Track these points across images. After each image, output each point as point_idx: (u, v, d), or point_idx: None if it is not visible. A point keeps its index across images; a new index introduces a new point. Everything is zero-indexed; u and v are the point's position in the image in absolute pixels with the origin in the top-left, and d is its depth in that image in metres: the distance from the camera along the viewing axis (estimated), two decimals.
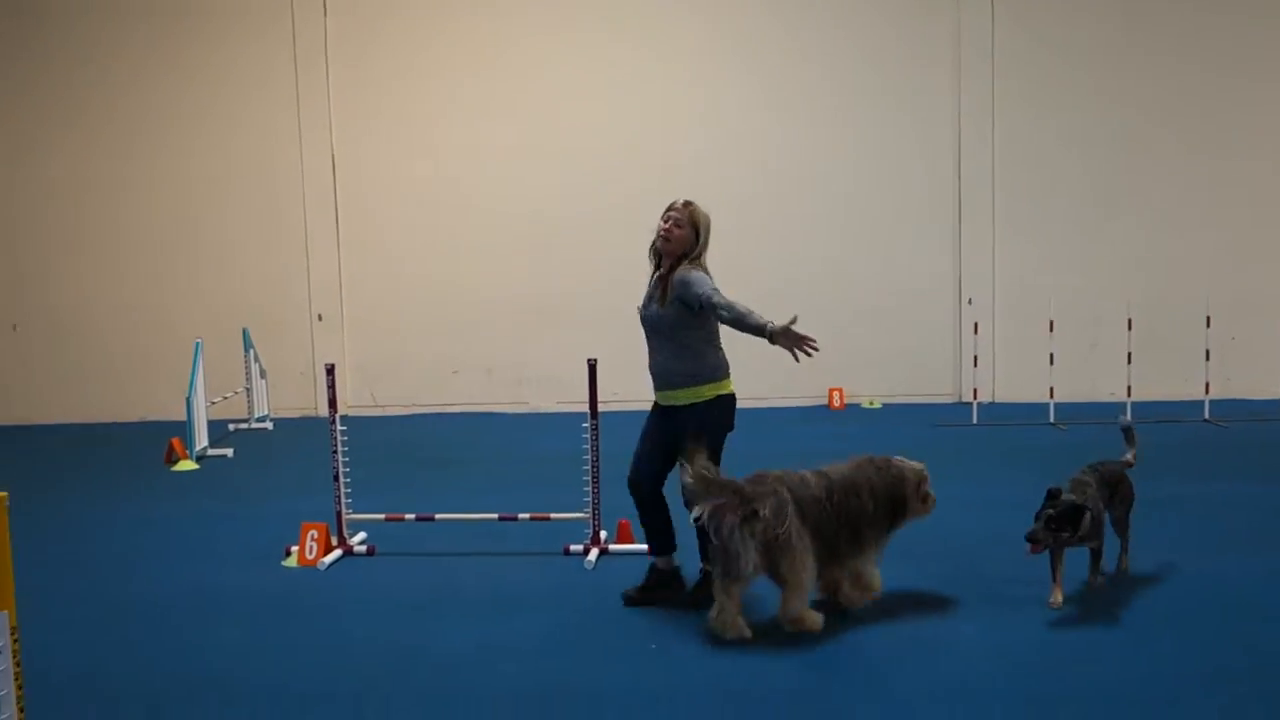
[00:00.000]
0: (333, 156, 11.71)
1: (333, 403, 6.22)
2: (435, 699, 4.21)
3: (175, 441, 9.25)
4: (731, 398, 5.18)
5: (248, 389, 10.99)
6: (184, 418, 9.28)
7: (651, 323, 5.11)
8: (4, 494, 2.80)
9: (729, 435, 5.13)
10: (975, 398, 10.33)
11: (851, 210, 11.53)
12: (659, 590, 5.23)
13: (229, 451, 9.53)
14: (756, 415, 11.03)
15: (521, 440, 10.07)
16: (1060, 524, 4.78)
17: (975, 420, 10.12)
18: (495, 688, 4.30)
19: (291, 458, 9.60)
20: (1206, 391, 10.18)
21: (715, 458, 4.91)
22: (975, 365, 10.42)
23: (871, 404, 11.46)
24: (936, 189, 11.49)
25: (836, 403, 11.38)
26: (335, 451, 6.16)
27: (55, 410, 11.77)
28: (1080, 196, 11.44)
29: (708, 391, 5.07)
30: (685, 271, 4.96)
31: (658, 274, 5.13)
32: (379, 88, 11.67)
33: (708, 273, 5.05)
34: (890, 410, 11.20)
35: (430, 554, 6.19)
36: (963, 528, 6.25)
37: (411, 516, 6.25)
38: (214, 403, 10.09)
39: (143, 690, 4.33)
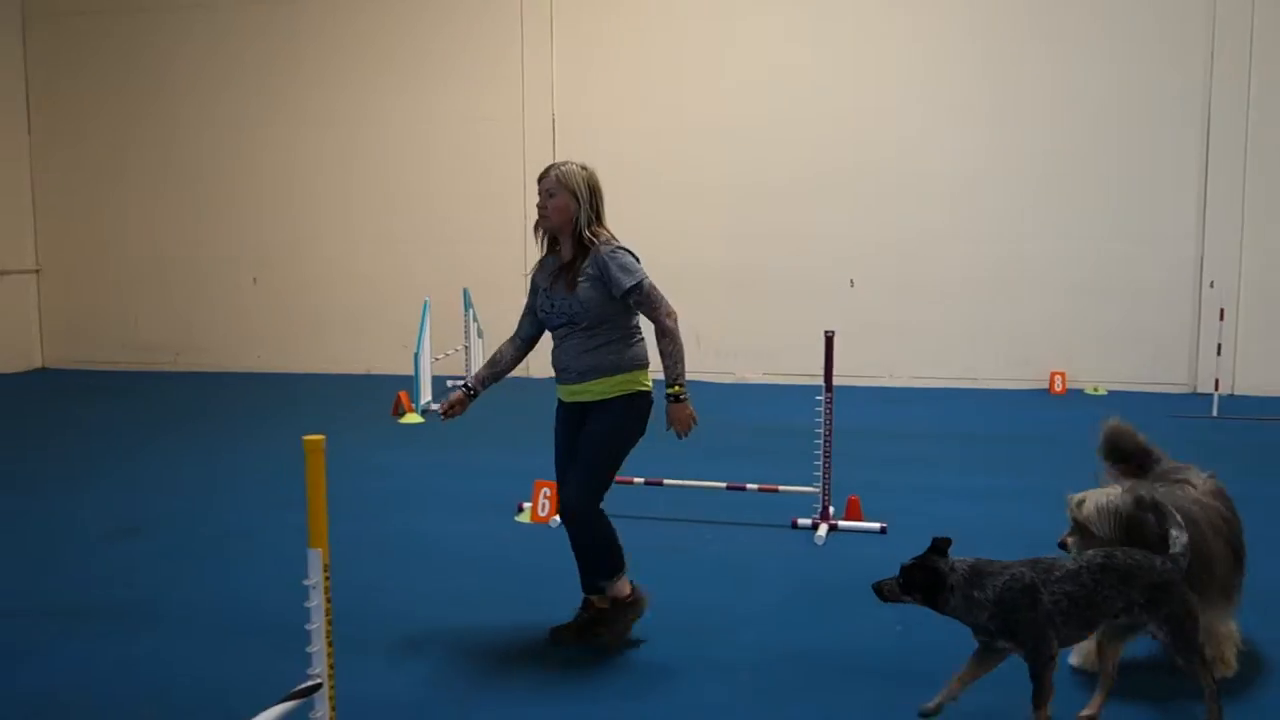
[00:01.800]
0: (553, 119, 11.90)
1: None
2: (679, 661, 4.23)
3: (402, 395, 9.66)
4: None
5: (465, 347, 11.35)
6: (407, 372, 9.69)
7: (559, 308, 4.30)
8: (322, 436, 2.93)
9: None
10: (1217, 389, 9.67)
11: (1082, 183, 10.93)
12: (599, 625, 4.40)
13: None
14: (969, 396, 10.73)
15: (731, 410, 10.03)
16: (909, 584, 3.52)
17: (1215, 413, 9.49)
18: (737, 655, 4.28)
19: (507, 416, 9.84)
20: None
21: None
22: (1219, 354, 9.75)
23: (1096, 390, 10.89)
24: (1179, 159, 10.74)
25: (1058, 387, 10.87)
26: None
27: (290, 360, 12.48)
28: None
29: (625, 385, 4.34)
30: (611, 250, 4.27)
31: (570, 258, 4.33)
32: (601, 50, 11.76)
33: (622, 247, 4.35)
34: (1116, 398, 10.60)
35: (657, 518, 6.24)
36: None
37: (640, 480, 6.30)
38: (437, 359, 10.46)
39: (389, 634, 4.51)
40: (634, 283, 4.23)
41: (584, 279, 4.22)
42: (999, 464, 7.71)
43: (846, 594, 4.98)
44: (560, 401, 4.44)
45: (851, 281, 11.32)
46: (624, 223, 11.70)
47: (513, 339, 4.56)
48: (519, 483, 6.67)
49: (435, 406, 3.99)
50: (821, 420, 5.97)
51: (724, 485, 6.32)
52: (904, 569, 3.53)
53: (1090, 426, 9.08)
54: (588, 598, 4.43)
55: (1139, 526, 3.62)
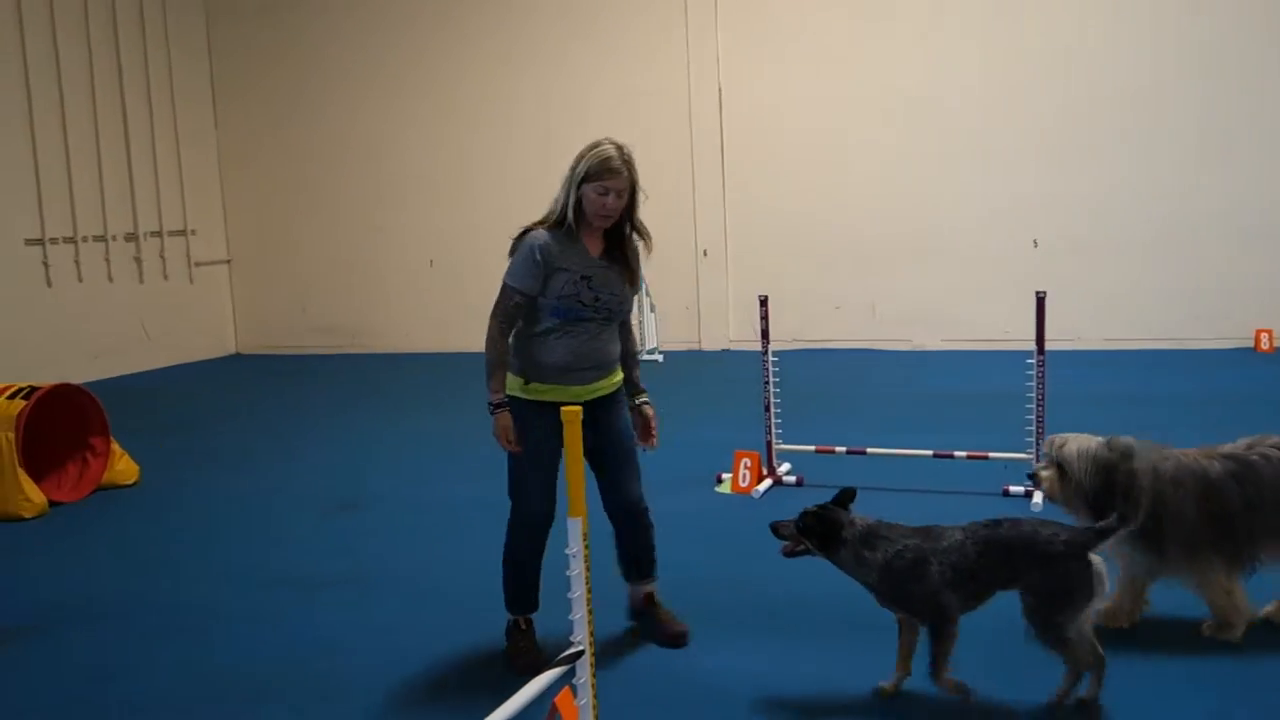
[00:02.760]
0: (719, 88, 11.80)
1: (765, 335, 6.25)
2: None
3: None
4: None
5: (640, 322, 11.40)
6: None
7: (606, 304, 3.91)
8: (578, 407, 2.94)
9: None
10: None
11: (1270, 131, 10.21)
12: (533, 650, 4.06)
13: None
14: (1168, 357, 10.19)
15: (914, 378, 9.81)
16: (806, 529, 3.55)
17: None
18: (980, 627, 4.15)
19: (687, 388, 9.87)
20: None
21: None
22: None
23: None
24: None
25: (1265, 345, 10.23)
26: (767, 384, 6.21)
27: (465, 339, 12.78)
28: None
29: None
30: (636, 243, 4.06)
31: (601, 249, 3.93)
32: (768, 16, 11.57)
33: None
34: None
35: (864, 488, 6.10)
36: None
37: (843, 449, 6.20)
38: None
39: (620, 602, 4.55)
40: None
41: (621, 278, 3.99)
42: (1215, 426, 7.26)
43: None
44: (550, 405, 3.79)
45: (1035, 242, 10.89)
46: (795, 194, 11.61)
47: (504, 332, 3.87)
48: (711, 454, 6.65)
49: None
50: (1034, 384, 5.74)
51: (930, 453, 6.14)
52: (803, 513, 3.58)
53: None
54: (645, 593, 4.24)
55: (1112, 474, 3.67)
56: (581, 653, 2.98)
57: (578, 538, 2.92)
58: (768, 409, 6.22)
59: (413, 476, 6.95)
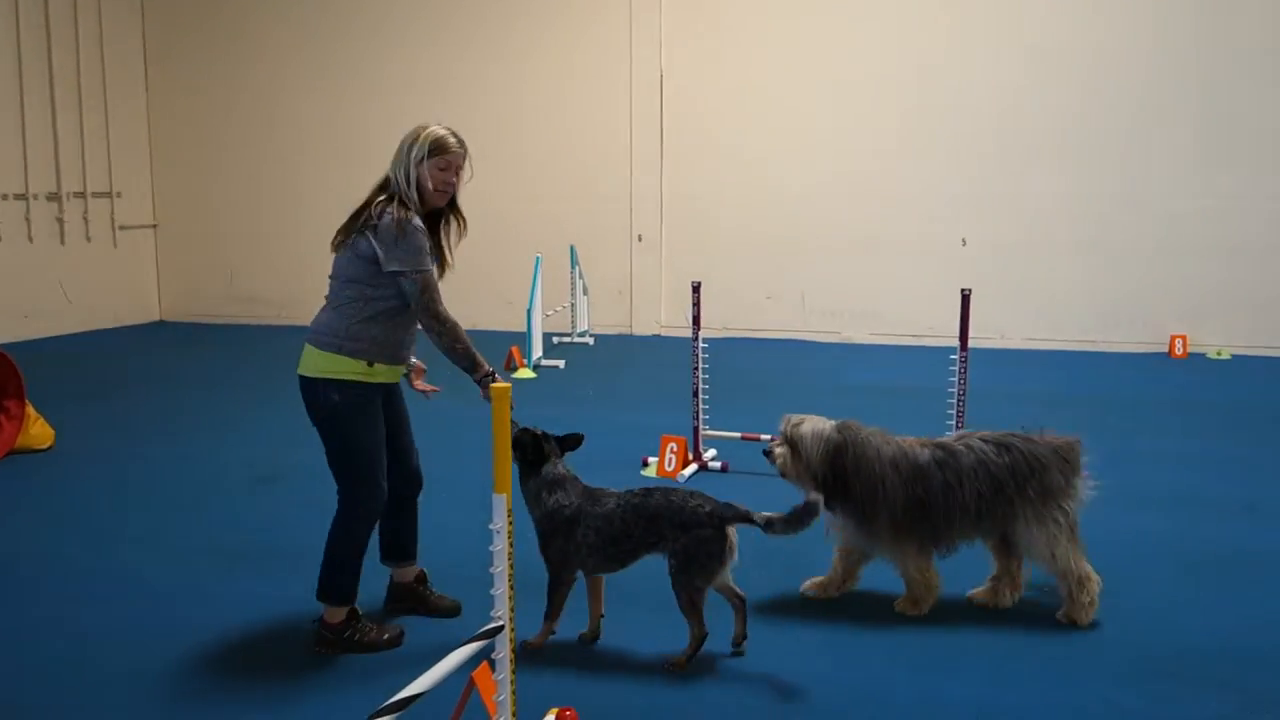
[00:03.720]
0: (661, 74, 11.83)
1: (696, 321, 6.31)
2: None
3: (514, 350, 9.76)
4: None
5: (572, 304, 11.42)
6: (511, 328, 9.77)
7: None
8: (508, 385, 2.97)
9: None
10: None
11: (1200, 141, 10.53)
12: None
13: (561, 363, 9.95)
14: (1087, 359, 10.48)
15: (841, 370, 9.97)
16: (518, 443, 3.82)
17: None
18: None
19: (616, 372, 9.92)
20: None
21: None
22: None
23: (1219, 354, 10.57)
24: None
25: (1179, 350, 10.57)
26: (696, 369, 6.27)
27: None
28: None
29: None
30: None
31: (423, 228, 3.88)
32: (713, 3, 11.62)
33: None
34: (1239, 362, 10.29)
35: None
36: None
37: (768, 437, 6.26)
38: (547, 316, 10.54)
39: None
40: None
41: (442, 251, 4.09)
42: (1132, 428, 7.52)
43: None
44: (382, 385, 3.92)
45: (964, 240, 11.12)
46: (733, 182, 11.69)
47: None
48: (638, 438, 6.71)
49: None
50: (956, 381, 5.88)
51: None
52: (524, 429, 3.85)
53: (1215, 390, 8.90)
54: (418, 572, 4.30)
55: (840, 456, 4.11)
56: (501, 628, 3.00)
57: (503, 513, 2.95)
58: (696, 394, 6.29)
59: None
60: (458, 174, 3.91)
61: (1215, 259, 10.57)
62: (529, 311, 9.73)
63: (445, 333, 3.80)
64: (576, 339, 11.39)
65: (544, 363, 9.91)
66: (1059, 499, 4.07)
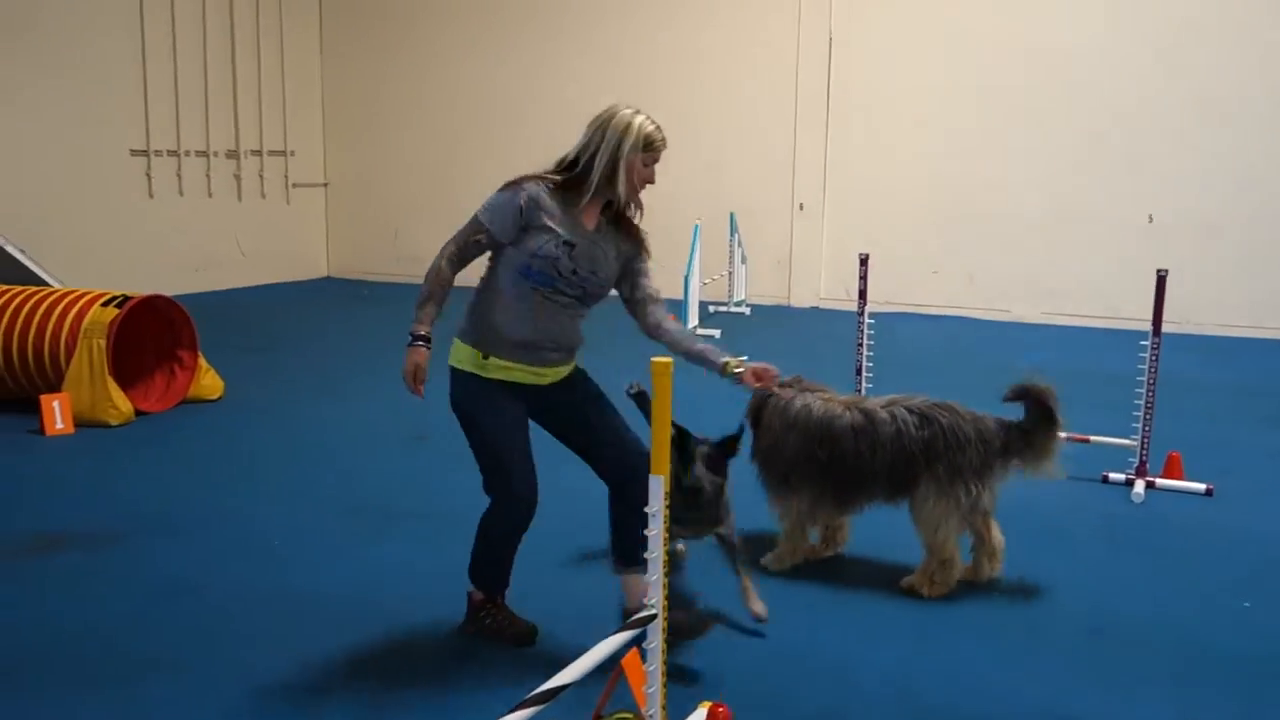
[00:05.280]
0: (830, 37, 11.42)
1: (862, 294, 6.01)
2: (999, 622, 3.94)
3: (670, 318, 9.60)
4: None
5: (729, 273, 11.20)
6: (668, 295, 9.57)
7: (586, 280, 3.55)
8: (669, 360, 2.79)
9: None
10: None
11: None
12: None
13: (717, 332, 9.76)
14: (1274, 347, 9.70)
15: (1010, 350, 9.46)
16: (681, 436, 3.79)
17: None
18: (1067, 623, 3.94)
19: (772, 343, 9.66)
20: None
21: None
22: None
23: None
24: None
25: None
26: (860, 345, 5.98)
27: None
28: None
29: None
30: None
31: (596, 223, 3.57)
32: None
33: None
34: None
35: None
36: None
37: None
38: (705, 284, 10.35)
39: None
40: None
41: (619, 256, 3.63)
42: None
43: (1177, 561, 4.54)
44: (513, 384, 3.56)
45: (1150, 217, 10.38)
46: (900, 154, 11.21)
47: (453, 264, 3.62)
48: None
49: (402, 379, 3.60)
50: (1146, 367, 5.43)
51: None
52: (679, 428, 3.69)
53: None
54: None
55: (759, 412, 4.29)
56: (654, 616, 2.85)
57: (659, 496, 2.78)
58: (859, 371, 6.00)
59: None
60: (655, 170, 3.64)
61: None
62: (686, 279, 9.55)
63: (426, 274, 3.63)
64: (733, 308, 11.17)
65: (700, 331, 9.72)
66: (967, 479, 4.00)
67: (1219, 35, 9.98)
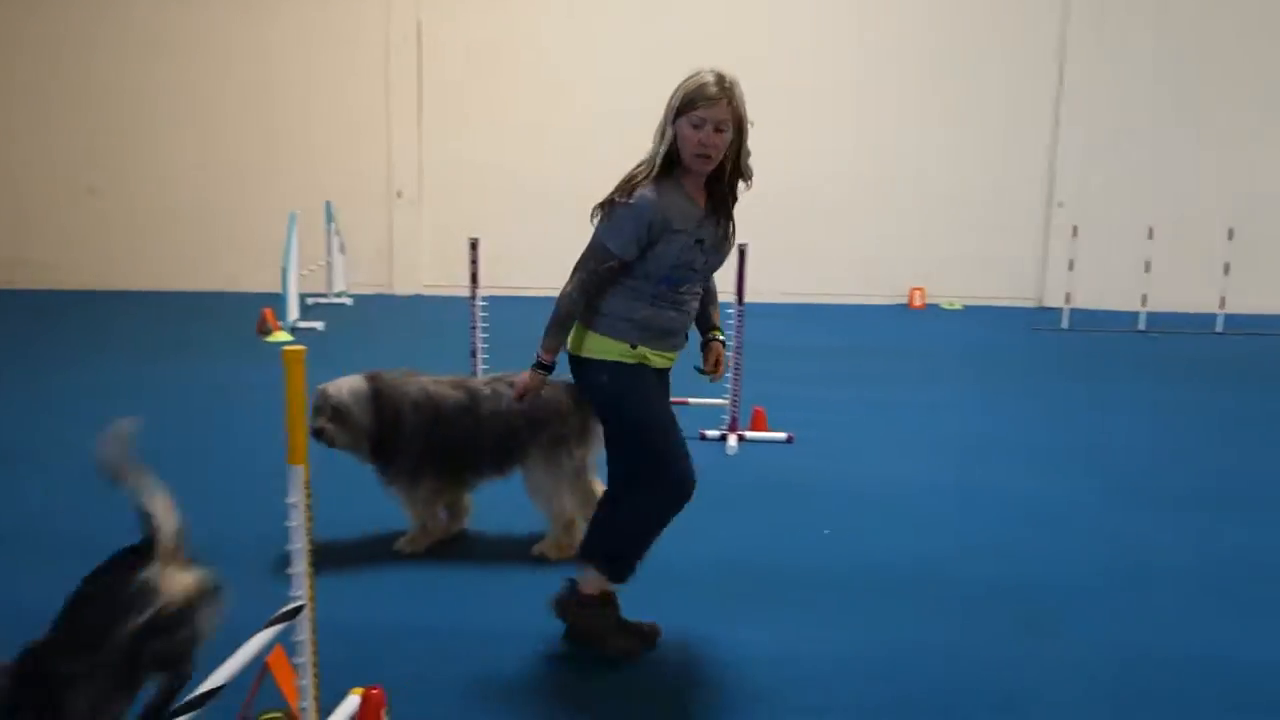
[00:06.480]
0: (419, 24, 11.40)
1: (474, 278, 6.14)
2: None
3: (268, 312, 9.21)
4: None
5: (328, 263, 10.91)
6: (267, 289, 9.24)
7: (713, 266, 3.46)
8: (303, 347, 2.74)
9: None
10: (1068, 303, 10.22)
11: (939, 109, 11.24)
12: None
13: (319, 324, 9.49)
14: (834, 311, 11.01)
15: None
16: None
17: (1066, 325, 10.05)
18: (675, 561, 4.31)
19: (378, 333, 9.58)
20: None
21: None
22: (1071, 269, 10.26)
23: (952, 305, 11.37)
24: (1029, 89, 11.19)
25: (917, 302, 11.30)
26: (474, 328, 6.12)
27: (128, 277, 11.70)
28: (1179, 106, 11.15)
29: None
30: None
31: (705, 197, 3.37)
32: None
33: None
34: (972, 312, 11.11)
35: None
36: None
37: None
38: (304, 275, 10.01)
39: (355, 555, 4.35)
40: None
41: (733, 229, 3.45)
42: (876, 375, 7.96)
43: (768, 501, 5.09)
44: (653, 370, 3.42)
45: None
46: (501, 136, 11.44)
47: (585, 292, 3.35)
48: None
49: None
50: (733, 334, 6.00)
51: None
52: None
53: (949, 338, 9.51)
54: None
55: (380, 404, 4.19)
56: (301, 608, 2.80)
57: (299, 487, 2.73)
58: (474, 354, 6.13)
59: (68, 430, 6.28)
60: (719, 130, 3.18)
61: (945, 220, 11.32)
62: (284, 270, 9.20)
63: (559, 299, 3.38)
64: (334, 299, 10.90)
65: (301, 325, 9.41)
66: (570, 446, 4.22)
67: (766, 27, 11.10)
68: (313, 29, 11.43)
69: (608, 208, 3.34)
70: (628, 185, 3.31)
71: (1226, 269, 9.92)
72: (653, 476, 3.42)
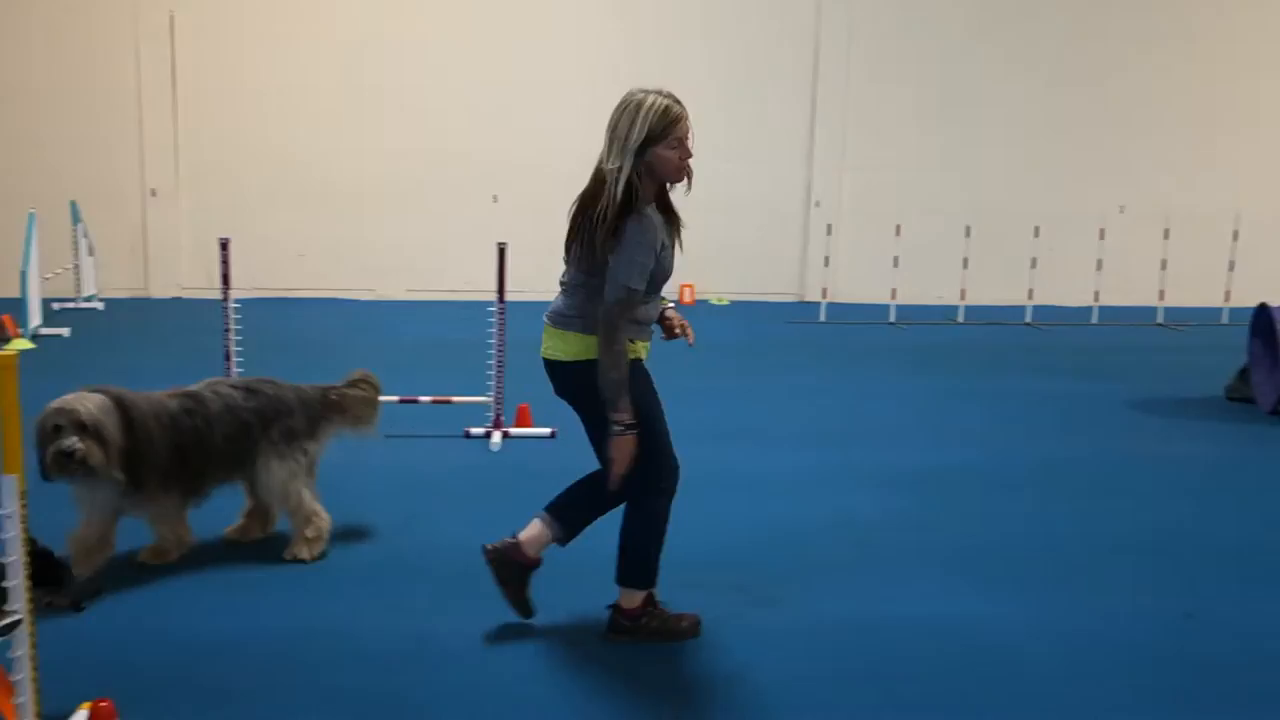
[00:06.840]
0: (171, 17, 10.91)
1: (226, 280, 5.97)
2: (374, 565, 4.25)
3: (6, 319, 8.62)
4: None
5: (76, 266, 10.30)
6: (4, 294, 8.67)
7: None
8: (14, 352, 2.64)
9: None
10: (825, 297, 10.81)
11: (702, 119, 11.62)
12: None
13: (65, 331, 8.95)
14: None
15: (381, 326, 9.90)
16: None
17: (823, 318, 10.63)
18: (432, 556, 4.36)
19: (131, 339, 9.13)
20: (1030, 297, 11.03)
21: None
22: (826, 265, 10.87)
23: (720, 301, 11.81)
24: (788, 96, 11.78)
25: (687, 298, 11.67)
26: (228, 330, 5.94)
27: None
28: (934, 109, 11.98)
29: None
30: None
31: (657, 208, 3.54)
32: None
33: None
34: (739, 307, 11.58)
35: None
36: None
37: None
38: (45, 279, 9.42)
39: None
40: None
41: (677, 233, 3.63)
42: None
43: (530, 495, 5.18)
44: (641, 361, 3.62)
45: (495, 197, 11.43)
46: (258, 133, 11.07)
47: (622, 335, 3.45)
48: None
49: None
50: (494, 332, 6.07)
51: (396, 399, 6.24)
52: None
53: (714, 332, 9.88)
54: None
55: (128, 421, 3.95)
56: (19, 622, 2.70)
57: (13, 497, 2.63)
58: (228, 358, 5.96)
59: None
60: (689, 142, 3.41)
61: (714, 217, 11.73)
62: (23, 274, 8.63)
63: (614, 362, 3.39)
64: (83, 304, 10.29)
65: (44, 331, 8.86)
66: (301, 441, 4.30)
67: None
68: (60, 16, 10.74)
69: (616, 251, 3.33)
70: (615, 225, 3.33)
71: (965, 263, 10.74)
72: (657, 470, 3.56)
